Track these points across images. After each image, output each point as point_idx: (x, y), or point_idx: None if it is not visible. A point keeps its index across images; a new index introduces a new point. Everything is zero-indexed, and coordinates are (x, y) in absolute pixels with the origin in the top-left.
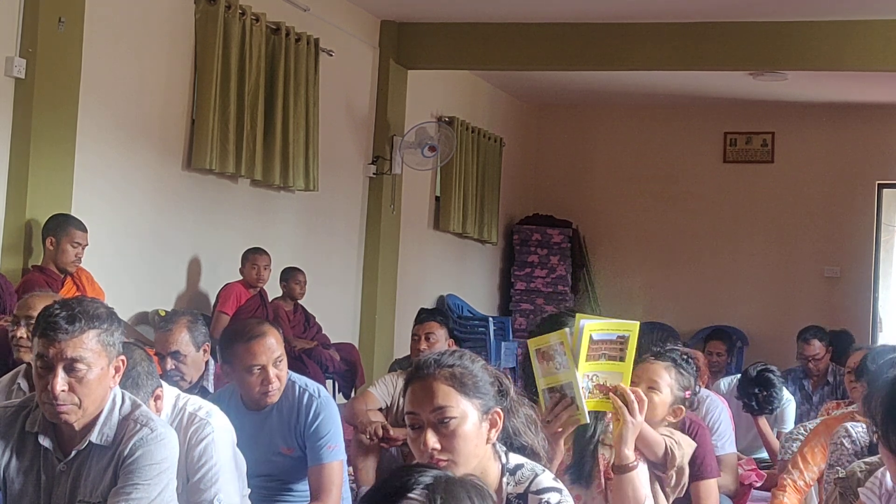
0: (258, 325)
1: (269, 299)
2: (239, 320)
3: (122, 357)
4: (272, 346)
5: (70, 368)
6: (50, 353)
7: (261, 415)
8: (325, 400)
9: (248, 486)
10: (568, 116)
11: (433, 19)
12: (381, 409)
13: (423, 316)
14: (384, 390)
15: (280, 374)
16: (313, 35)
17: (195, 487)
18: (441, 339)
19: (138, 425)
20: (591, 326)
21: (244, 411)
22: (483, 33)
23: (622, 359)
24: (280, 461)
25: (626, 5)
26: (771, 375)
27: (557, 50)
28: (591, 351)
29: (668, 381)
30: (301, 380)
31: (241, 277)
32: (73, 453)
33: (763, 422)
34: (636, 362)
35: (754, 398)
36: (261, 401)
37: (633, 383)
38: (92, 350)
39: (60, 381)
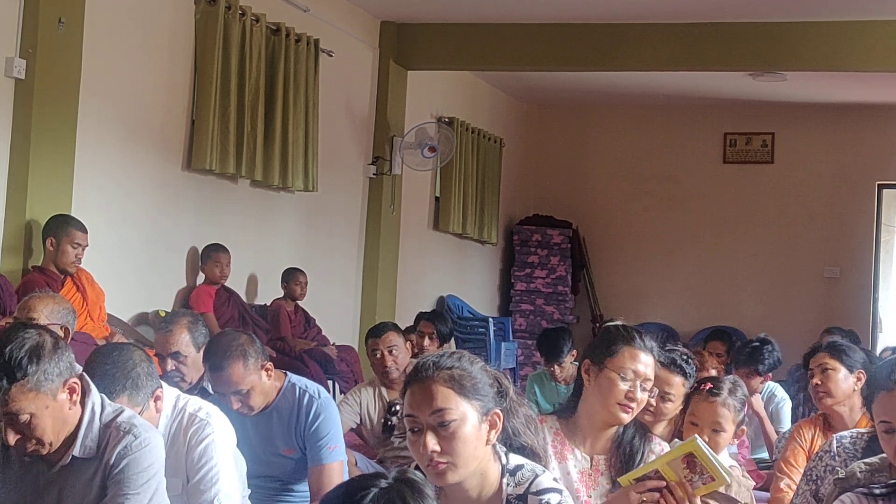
0: (223, 355)
1: (241, 298)
2: (216, 339)
3: (73, 379)
4: (229, 381)
5: (15, 422)
6: None
7: (261, 416)
8: (326, 401)
9: (249, 487)
10: (568, 116)
11: (433, 20)
12: (352, 429)
13: (379, 329)
14: (350, 410)
15: (244, 400)
16: (313, 36)
17: (195, 488)
18: (402, 348)
19: (121, 432)
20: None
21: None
22: (483, 33)
23: (712, 478)
24: (280, 462)
25: (625, 6)
26: (768, 337)
27: (557, 50)
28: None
29: (730, 419)
30: (301, 381)
31: (200, 278)
32: (57, 468)
33: (758, 403)
34: (691, 397)
35: (746, 353)
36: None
37: (693, 425)
38: (28, 399)
39: (12, 436)
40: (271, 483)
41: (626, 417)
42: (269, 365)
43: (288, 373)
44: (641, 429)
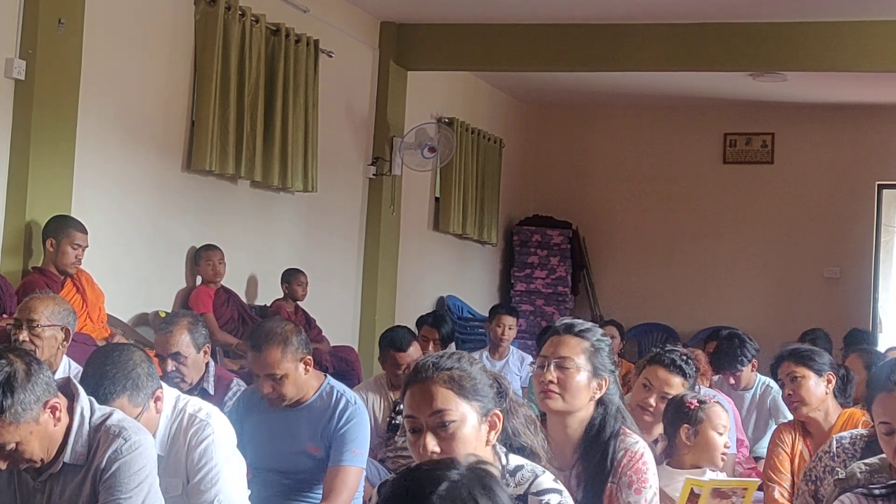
0: (265, 337)
1: (241, 298)
2: (264, 321)
3: (54, 399)
4: (265, 363)
5: (2, 451)
6: None
7: (292, 411)
8: (360, 408)
9: (266, 481)
10: (568, 116)
11: (433, 20)
12: None
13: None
14: None
15: (277, 386)
16: (313, 36)
17: (195, 489)
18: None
19: (111, 436)
20: (714, 483)
21: (274, 406)
22: (483, 34)
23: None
24: (303, 459)
25: (625, 6)
26: (739, 332)
27: (557, 50)
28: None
29: (679, 392)
30: (340, 385)
31: (197, 280)
32: (46, 475)
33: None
34: (644, 364)
35: (721, 357)
36: (269, 402)
37: (644, 387)
38: (9, 432)
39: (2, 463)
40: (286, 479)
41: (550, 402)
42: (309, 359)
43: (328, 375)
44: (611, 438)
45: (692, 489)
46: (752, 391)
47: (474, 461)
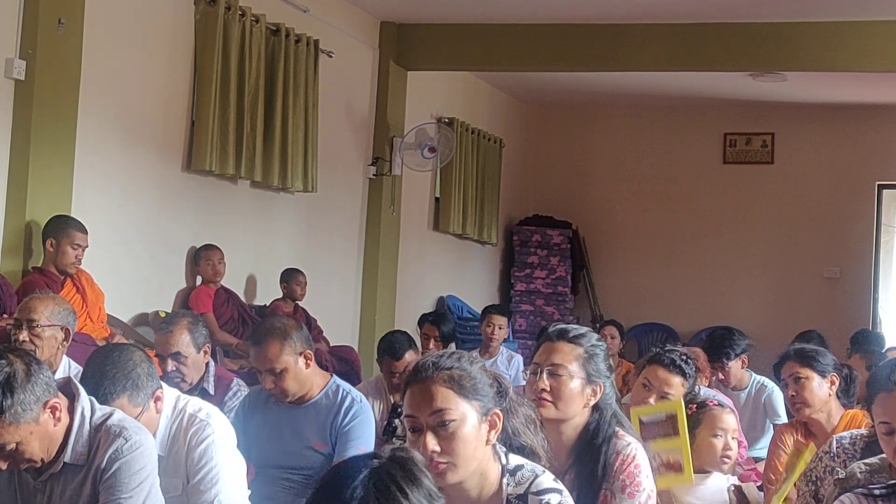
0: (265, 333)
1: (241, 298)
2: (266, 318)
3: (54, 399)
4: (264, 357)
5: (3, 452)
6: None
7: (299, 409)
8: (366, 407)
9: (275, 477)
10: (568, 117)
11: (433, 20)
12: None
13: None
14: None
15: (278, 381)
16: (313, 36)
17: (195, 489)
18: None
19: (111, 435)
20: (638, 411)
21: (279, 402)
22: (483, 34)
23: (676, 433)
24: (310, 455)
25: (625, 6)
26: (733, 329)
27: (557, 50)
28: (644, 433)
29: (679, 391)
30: (345, 385)
31: (197, 280)
32: (47, 475)
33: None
34: (644, 364)
35: (711, 350)
36: (274, 398)
37: (644, 387)
38: (10, 432)
39: (3, 463)
40: (293, 475)
41: (543, 411)
42: (310, 354)
43: (334, 375)
44: (604, 443)
45: (640, 419)
46: (747, 390)
47: (396, 449)
